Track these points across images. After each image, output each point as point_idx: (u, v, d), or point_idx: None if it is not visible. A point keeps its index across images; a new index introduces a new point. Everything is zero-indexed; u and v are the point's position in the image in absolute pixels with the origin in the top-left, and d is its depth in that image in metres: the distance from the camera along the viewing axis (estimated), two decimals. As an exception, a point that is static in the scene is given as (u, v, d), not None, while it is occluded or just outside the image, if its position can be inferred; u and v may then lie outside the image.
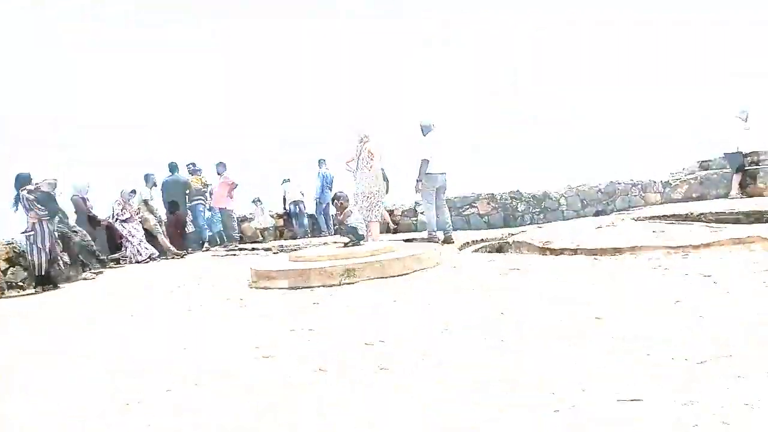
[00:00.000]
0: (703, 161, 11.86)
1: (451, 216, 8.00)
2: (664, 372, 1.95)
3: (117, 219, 9.41)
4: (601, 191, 10.57)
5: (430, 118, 7.54)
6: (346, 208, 6.26)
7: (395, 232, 10.62)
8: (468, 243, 7.53)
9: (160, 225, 9.91)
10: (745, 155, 10.53)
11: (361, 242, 5.80)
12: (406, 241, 8.77)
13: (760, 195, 10.37)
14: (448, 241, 7.50)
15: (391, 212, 10.68)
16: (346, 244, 5.69)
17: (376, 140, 7.41)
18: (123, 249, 9.47)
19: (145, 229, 9.70)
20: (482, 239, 7.86)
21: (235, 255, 9.33)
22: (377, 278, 4.33)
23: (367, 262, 4.40)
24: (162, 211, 10.35)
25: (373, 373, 2.23)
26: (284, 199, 12.42)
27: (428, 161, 7.23)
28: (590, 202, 10.43)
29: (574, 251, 5.23)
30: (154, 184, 10.10)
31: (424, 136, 7.49)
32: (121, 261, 9.27)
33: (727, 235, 4.79)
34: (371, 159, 7.21)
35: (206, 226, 11.02)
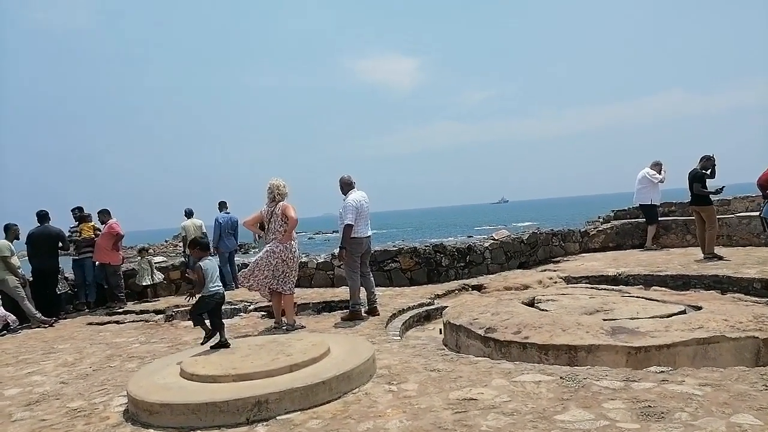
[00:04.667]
0: (617, 210, 12.04)
1: (372, 271, 7.13)
2: None
3: (-37, 282, 7.62)
4: (523, 242, 10.26)
5: (350, 175, 6.71)
6: (201, 258, 4.73)
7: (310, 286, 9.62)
8: (394, 314, 6.78)
9: (24, 287, 8.18)
10: (659, 206, 10.74)
11: (223, 338, 4.57)
12: (325, 304, 7.86)
13: (673, 246, 10.58)
14: (373, 312, 6.70)
15: (304, 264, 9.67)
16: (207, 341, 4.58)
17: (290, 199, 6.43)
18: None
19: (2, 293, 7.97)
20: (408, 307, 7.14)
21: (118, 323, 7.88)
22: (297, 411, 3.38)
23: (285, 390, 3.42)
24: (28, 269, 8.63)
25: None
26: (184, 241, 11.03)
27: (352, 225, 6.37)
28: (514, 254, 10.07)
29: (523, 346, 4.63)
30: (17, 237, 8.36)
31: (345, 195, 6.64)
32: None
33: (687, 330, 4.34)
34: (285, 222, 6.19)
35: (94, 284, 9.42)
